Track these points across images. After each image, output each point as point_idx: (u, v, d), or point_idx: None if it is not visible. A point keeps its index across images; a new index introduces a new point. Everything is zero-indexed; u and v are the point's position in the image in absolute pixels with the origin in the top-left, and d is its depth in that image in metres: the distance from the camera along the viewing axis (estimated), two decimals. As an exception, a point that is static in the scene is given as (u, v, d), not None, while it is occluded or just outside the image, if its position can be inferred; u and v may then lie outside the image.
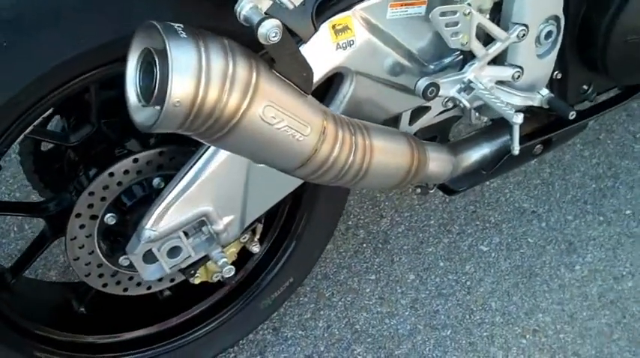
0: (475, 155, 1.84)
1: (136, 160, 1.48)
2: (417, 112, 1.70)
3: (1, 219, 2.15)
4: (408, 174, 1.52)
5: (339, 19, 1.43)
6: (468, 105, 1.57)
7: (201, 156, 1.44)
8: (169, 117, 1.18)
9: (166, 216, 1.46)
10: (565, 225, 2.23)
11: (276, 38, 1.22)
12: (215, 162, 1.45)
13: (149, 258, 1.50)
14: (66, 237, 1.49)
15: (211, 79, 1.18)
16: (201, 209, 1.48)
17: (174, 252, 1.50)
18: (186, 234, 1.50)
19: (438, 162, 1.60)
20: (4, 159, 1.54)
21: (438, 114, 1.75)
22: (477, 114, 1.78)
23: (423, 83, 1.53)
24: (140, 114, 1.23)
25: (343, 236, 2.18)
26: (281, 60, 1.28)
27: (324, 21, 1.42)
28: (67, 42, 1.29)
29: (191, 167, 1.44)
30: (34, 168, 1.66)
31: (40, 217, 1.56)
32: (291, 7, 1.24)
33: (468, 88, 1.57)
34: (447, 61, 1.60)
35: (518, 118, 1.53)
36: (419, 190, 1.74)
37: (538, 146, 1.88)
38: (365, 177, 1.44)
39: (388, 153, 1.47)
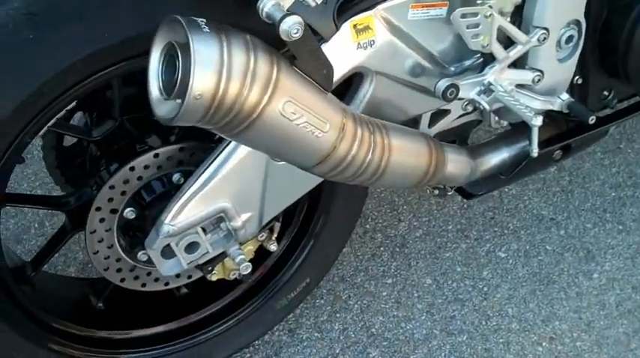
0: (494, 159, 1.84)
1: (156, 155, 1.49)
2: (437, 115, 1.71)
3: (22, 215, 2.17)
4: (426, 174, 1.52)
5: (360, 18, 1.44)
6: (487, 107, 1.57)
7: (220, 153, 1.46)
8: (190, 110, 1.19)
9: (185, 211, 1.47)
10: (584, 233, 2.22)
11: (297, 35, 1.23)
12: (234, 159, 1.46)
13: (167, 253, 1.52)
14: (86, 230, 1.50)
15: (233, 73, 1.20)
16: (220, 205, 1.49)
17: (192, 247, 1.51)
18: (204, 230, 1.51)
19: (456, 164, 1.60)
20: (27, 156, 1.55)
21: (457, 118, 1.75)
22: (496, 118, 1.78)
23: (443, 84, 1.53)
24: (162, 107, 1.24)
25: (361, 239, 2.18)
26: (302, 57, 1.29)
27: (345, 20, 1.43)
28: (91, 36, 1.30)
29: (210, 163, 1.46)
30: (56, 163, 1.68)
31: (61, 211, 1.58)
32: (313, 4, 1.26)
33: (487, 90, 1.58)
34: (467, 63, 1.60)
35: (538, 120, 1.53)
36: (437, 192, 1.74)
37: (557, 152, 1.88)
38: (383, 176, 1.44)
39: (406, 153, 1.48)
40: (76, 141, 1.71)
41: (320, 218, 1.76)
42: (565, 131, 1.86)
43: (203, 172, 1.46)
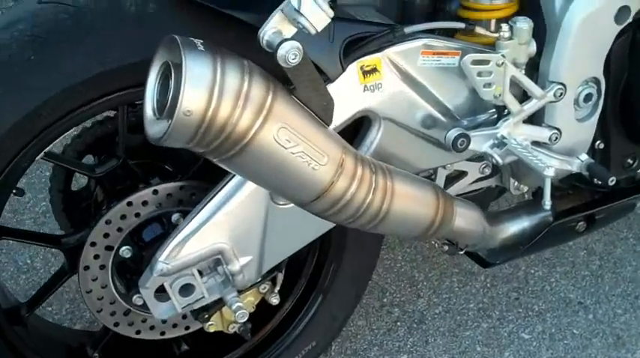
0: (513, 227, 1.78)
1: (155, 192, 1.46)
2: (453, 177, 1.67)
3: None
4: (432, 225, 1.46)
5: (367, 60, 1.42)
6: (499, 160, 1.52)
7: (219, 191, 1.42)
8: (180, 127, 1.17)
9: (181, 250, 1.42)
10: (614, 319, 2.11)
11: (295, 60, 1.22)
12: (233, 198, 1.42)
13: (162, 296, 1.47)
14: (79, 266, 1.46)
15: (225, 93, 1.17)
16: (217, 246, 1.44)
17: (187, 290, 1.46)
18: (200, 272, 1.46)
19: (466, 219, 1.54)
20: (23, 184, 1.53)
21: (474, 182, 1.71)
22: (515, 183, 1.73)
23: (453, 133, 1.49)
24: (154, 127, 1.22)
25: (377, 313, 2.10)
26: (300, 86, 1.26)
27: (352, 61, 1.41)
28: (92, 59, 1.30)
29: (209, 201, 1.42)
30: (62, 206, 1.66)
31: (60, 249, 1.55)
32: (313, 32, 1.23)
33: (501, 143, 1.53)
34: (481, 118, 1.56)
35: (550, 171, 1.47)
36: (446, 248, 1.67)
37: (581, 223, 1.80)
38: (384, 220, 1.39)
39: (411, 199, 1.42)
40: (83, 186, 1.70)
41: (329, 271, 1.69)
42: (588, 201, 1.79)
43: (201, 210, 1.42)
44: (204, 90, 1.16)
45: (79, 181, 1.84)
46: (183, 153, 1.58)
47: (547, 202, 1.51)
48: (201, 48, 1.19)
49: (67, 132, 1.37)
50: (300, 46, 1.22)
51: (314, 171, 1.28)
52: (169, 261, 1.42)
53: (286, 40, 1.21)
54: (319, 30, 1.24)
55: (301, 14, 1.21)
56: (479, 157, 1.67)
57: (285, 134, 1.24)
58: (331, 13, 1.23)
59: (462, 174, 1.68)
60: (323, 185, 1.30)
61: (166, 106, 1.19)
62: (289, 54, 1.21)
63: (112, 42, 1.32)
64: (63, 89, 1.30)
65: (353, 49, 1.41)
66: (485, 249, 1.78)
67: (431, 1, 1.56)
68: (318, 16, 1.22)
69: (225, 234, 1.44)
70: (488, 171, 1.70)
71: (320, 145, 1.28)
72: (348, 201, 1.33)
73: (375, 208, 1.36)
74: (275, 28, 1.23)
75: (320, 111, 1.29)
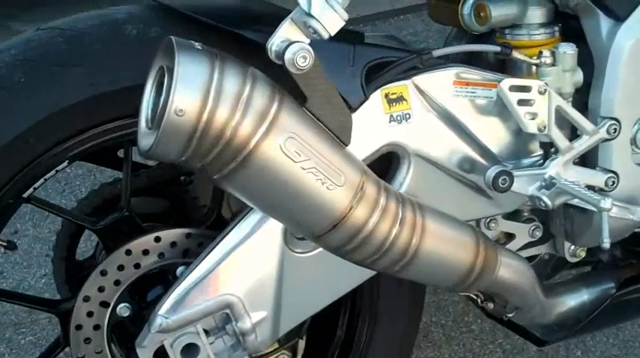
0: (571, 301, 1.58)
1: (158, 239, 1.30)
2: (498, 241, 1.48)
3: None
4: (471, 271, 1.26)
5: (393, 87, 1.28)
6: (549, 203, 1.32)
7: (227, 235, 1.26)
8: (172, 129, 1.02)
9: (183, 302, 1.25)
10: None
11: (305, 64, 1.08)
12: (243, 243, 1.26)
13: (161, 356, 1.28)
14: (70, 325, 1.29)
15: (222, 95, 1.04)
16: (225, 298, 1.26)
17: (190, 351, 1.27)
18: (206, 332, 1.28)
19: (511, 271, 1.33)
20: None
21: (524, 248, 1.51)
22: (571, 247, 1.53)
23: (494, 170, 1.32)
24: (145, 139, 1.08)
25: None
26: (313, 97, 1.12)
27: (376, 88, 1.27)
28: (84, 84, 1.19)
29: (215, 246, 1.25)
30: (65, 276, 1.51)
31: (54, 313, 1.38)
32: (325, 35, 1.10)
33: (549, 185, 1.34)
34: (525, 161, 1.39)
35: (607, 203, 1.27)
36: (491, 305, 1.44)
37: (650, 296, 1.58)
38: (413, 261, 1.20)
39: (446, 239, 1.23)
40: (89, 256, 1.55)
41: (363, 334, 1.48)
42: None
43: (206, 257, 1.25)
44: (199, 88, 1.03)
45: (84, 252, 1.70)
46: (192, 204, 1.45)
47: (606, 240, 1.30)
48: (198, 47, 1.06)
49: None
50: (310, 49, 1.09)
51: (329, 191, 1.11)
52: (170, 314, 1.24)
53: (294, 42, 1.08)
54: (332, 33, 1.11)
55: (312, 16, 1.09)
56: (527, 219, 1.50)
57: (294, 145, 1.08)
58: (345, 16, 1.10)
59: (509, 238, 1.50)
60: (340, 210, 1.12)
61: (158, 112, 1.05)
62: (297, 56, 1.08)
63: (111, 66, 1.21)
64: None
65: (376, 75, 1.28)
66: (539, 326, 1.57)
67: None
68: (330, 18, 1.09)
69: (233, 285, 1.26)
70: (538, 234, 1.51)
71: (336, 163, 1.12)
72: (370, 233, 1.15)
73: (402, 244, 1.18)
74: (284, 36, 1.11)
75: (336, 127, 1.14)
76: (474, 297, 1.36)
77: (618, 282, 1.54)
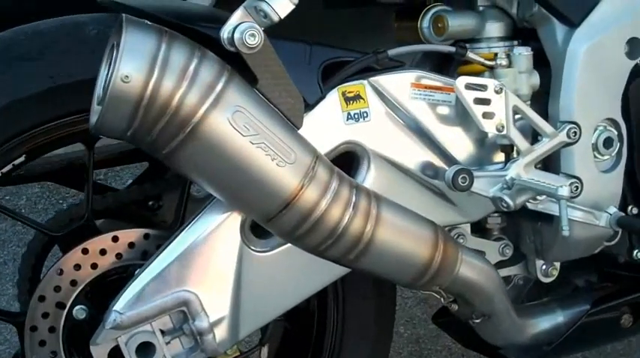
0: (546, 323, 1.54)
1: (115, 239, 1.30)
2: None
3: None
4: (429, 266, 1.24)
5: (349, 85, 1.30)
6: (511, 203, 1.32)
7: (184, 229, 1.25)
8: (118, 96, 1.04)
9: (139, 298, 1.23)
10: None
11: (254, 42, 1.11)
12: (200, 237, 1.24)
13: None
14: (25, 326, 1.26)
15: (168, 66, 1.07)
16: (181, 294, 1.24)
17: (145, 350, 1.24)
18: (163, 333, 1.25)
19: (473, 270, 1.30)
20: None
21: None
22: (543, 266, 1.51)
23: (452, 169, 1.32)
24: (95, 115, 1.10)
25: None
26: (263, 78, 1.14)
27: (333, 86, 1.29)
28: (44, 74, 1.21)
29: (172, 240, 1.24)
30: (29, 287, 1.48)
31: (12, 323, 1.35)
32: (276, 18, 1.13)
33: (511, 186, 1.34)
34: (487, 165, 1.38)
35: (564, 190, 1.26)
36: (456, 307, 1.39)
37: (626, 316, 1.55)
38: (367, 252, 1.19)
39: (402, 231, 1.22)
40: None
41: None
42: (633, 287, 1.55)
43: (163, 251, 1.24)
44: (144, 56, 1.06)
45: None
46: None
47: (565, 227, 1.28)
48: (148, 23, 1.09)
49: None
50: (259, 28, 1.12)
51: (279, 167, 1.12)
52: (125, 310, 1.22)
53: (242, 22, 1.11)
54: (282, 16, 1.14)
55: (263, 0, 1.12)
56: (497, 238, 1.49)
57: (243, 119, 1.10)
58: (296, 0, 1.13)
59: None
60: (291, 189, 1.12)
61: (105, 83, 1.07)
62: (246, 34, 1.11)
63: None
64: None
65: (334, 74, 1.30)
66: (514, 349, 1.54)
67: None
68: (281, 2, 1.13)
69: (190, 281, 1.24)
70: (509, 253, 1.50)
71: (286, 141, 1.13)
72: (321, 216, 1.14)
73: (355, 230, 1.17)
74: (235, 23, 1.14)
75: (286, 109, 1.16)
76: (437, 296, 1.33)
77: (592, 299, 1.51)
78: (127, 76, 1.03)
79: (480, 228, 1.48)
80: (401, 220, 1.23)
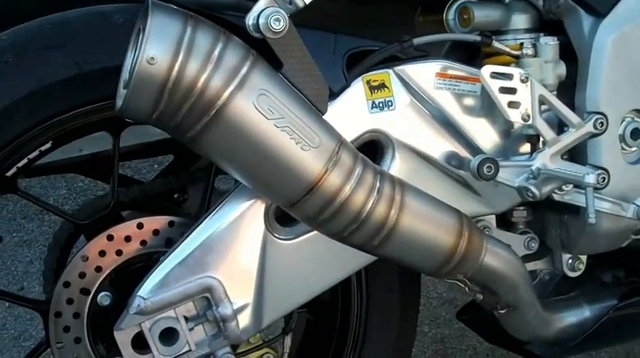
0: (572, 317, 1.52)
1: (140, 226, 1.30)
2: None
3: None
4: (453, 254, 1.23)
5: (374, 74, 1.29)
6: (537, 192, 1.31)
7: (209, 216, 1.25)
8: (144, 78, 1.05)
9: (163, 284, 1.23)
10: None
11: (279, 26, 1.12)
12: (224, 223, 1.25)
13: (141, 344, 1.25)
14: (49, 312, 1.27)
15: (194, 49, 1.07)
16: (205, 280, 1.24)
17: (169, 336, 1.25)
18: (186, 318, 1.25)
19: (498, 260, 1.29)
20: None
21: (521, 260, 1.48)
22: (569, 260, 1.50)
23: (478, 158, 1.31)
24: (121, 98, 1.10)
25: None
26: (288, 63, 1.14)
27: (358, 75, 1.29)
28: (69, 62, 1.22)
29: (196, 227, 1.25)
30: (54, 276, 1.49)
31: (36, 310, 1.36)
32: (301, 4, 1.14)
33: (537, 176, 1.33)
34: (512, 155, 1.37)
35: (591, 178, 1.25)
36: (481, 297, 1.37)
37: (656, 311, 1.53)
38: (391, 238, 1.18)
39: (426, 218, 1.22)
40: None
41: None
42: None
43: (187, 237, 1.25)
44: (171, 39, 1.06)
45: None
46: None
47: (591, 215, 1.27)
48: (174, 7, 1.10)
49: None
50: (284, 13, 1.12)
51: (303, 151, 1.12)
52: (149, 296, 1.23)
53: (267, 7, 1.12)
54: (307, 2, 1.14)
55: (287, -15, 1.13)
56: (523, 231, 1.48)
57: (267, 103, 1.10)
58: (320, -15, 1.14)
59: (504, 250, 1.46)
60: (315, 173, 1.12)
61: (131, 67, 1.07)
62: (271, 19, 1.12)
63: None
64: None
65: (358, 63, 1.30)
66: (540, 344, 1.52)
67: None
68: (305, -13, 1.14)
69: (214, 267, 1.25)
70: (534, 246, 1.48)
71: (311, 125, 1.13)
72: (345, 201, 1.14)
73: (379, 216, 1.16)
74: (260, 9, 1.14)
75: (311, 94, 1.16)
76: (462, 285, 1.32)
77: (620, 294, 1.49)
78: (152, 58, 1.04)
79: (505, 222, 1.47)
80: (425, 207, 1.23)
